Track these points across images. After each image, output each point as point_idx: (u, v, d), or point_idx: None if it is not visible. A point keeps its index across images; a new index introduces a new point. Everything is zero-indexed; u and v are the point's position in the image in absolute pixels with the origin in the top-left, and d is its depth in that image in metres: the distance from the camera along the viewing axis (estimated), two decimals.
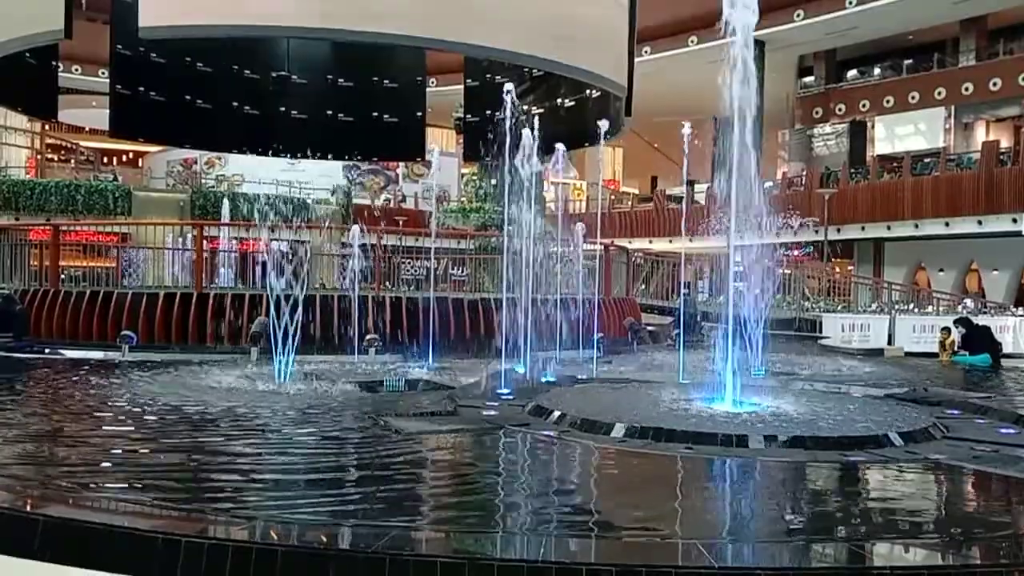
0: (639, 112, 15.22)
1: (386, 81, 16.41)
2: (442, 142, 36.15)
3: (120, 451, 5.24)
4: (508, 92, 9.43)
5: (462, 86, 17.36)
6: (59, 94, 14.71)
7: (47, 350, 11.75)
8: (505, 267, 10.42)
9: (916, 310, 21.41)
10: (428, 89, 17.76)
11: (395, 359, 11.18)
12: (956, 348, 13.77)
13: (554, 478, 4.85)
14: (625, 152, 47.31)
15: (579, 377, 9.59)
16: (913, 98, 32.35)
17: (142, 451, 5.26)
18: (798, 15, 30.55)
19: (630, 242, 28.22)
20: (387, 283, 15.14)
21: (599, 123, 12.53)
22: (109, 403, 7.07)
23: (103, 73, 24.89)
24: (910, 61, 33.43)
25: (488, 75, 16.36)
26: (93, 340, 12.23)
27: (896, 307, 21.46)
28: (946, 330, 14.26)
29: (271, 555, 3.15)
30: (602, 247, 15.60)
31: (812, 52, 34.87)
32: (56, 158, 33.31)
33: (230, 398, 7.33)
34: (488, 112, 16.41)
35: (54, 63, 13.77)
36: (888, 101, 33.15)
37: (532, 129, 9.82)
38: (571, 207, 40.04)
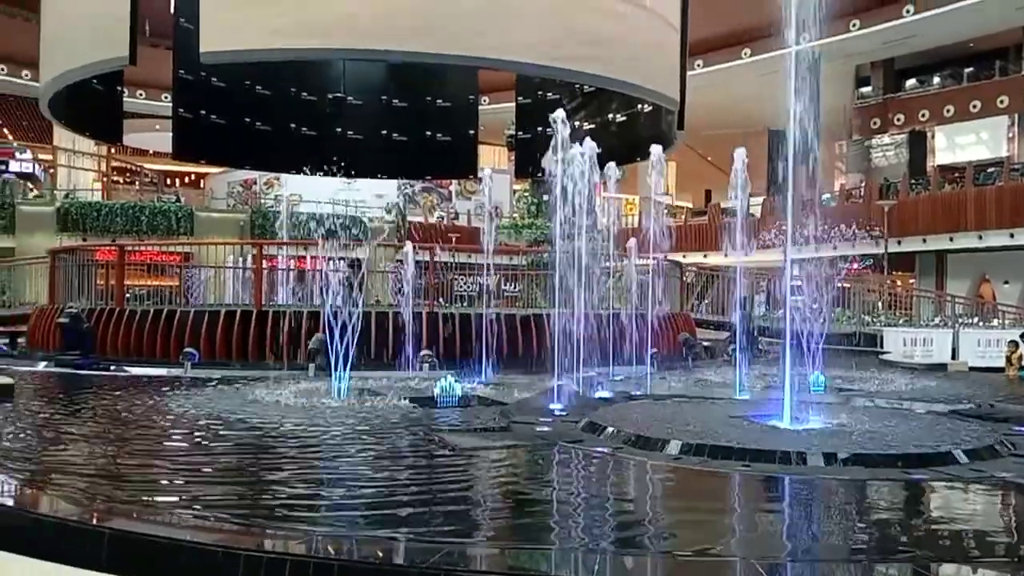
0: (692, 125, 15.16)
1: (439, 101, 16.64)
2: (494, 159, 36.42)
3: (181, 465, 5.34)
4: (555, 120, 9.40)
5: (514, 103, 17.49)
6: (124, 118, 15.22)
7: (112, 367, 12.02)
8: (557, 283, 10.40)
9: (980, 323, 20.80)
10: (480, 107, 17.93)
11: (449, 375, 11.23)
12: (1023, 363, 13.35)
13: (608, 495, 4.80)
14: (678, 166, 46.99)
15: (633, 393, 9.50)
16: (975, 107, 31.57)
17: (203, 466, 5.32)
18: (854, 24, 30.06)
19: (684, 256, 27.98)
20: (441, 299, 15.25)
21: (651, 142, 12.49)
22: (171, 419, 7.20)
23: (166, 97, 25.68)
24: (971, 69, 32.68)
25: (539, 92, 16.48)
26: (157, 357, 12.52)
27: (959, 320, 20.87)
28: (1013, 344, 13.83)
29: (328, 569, 3.19)
30: (655, 261, 15.48)
31: (869, 62, 34.28)
32: (121, 180, 34.40)
33: (287, 413, 7.43)
34: (539, 129, 16.57)
35: (119, 88, 14.27)
36: (948, 110, 32.40)
37: (582, 144, 9.81)
38: (624, 221, 39.94)
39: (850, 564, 3.49)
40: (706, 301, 21.13)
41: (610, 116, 15.54)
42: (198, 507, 4.12)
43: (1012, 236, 25.18)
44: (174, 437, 6.37)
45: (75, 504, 4.13)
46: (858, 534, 3.93)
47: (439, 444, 5.98)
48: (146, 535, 3.54)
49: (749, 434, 6.15)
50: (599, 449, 5.90)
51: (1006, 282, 28.49)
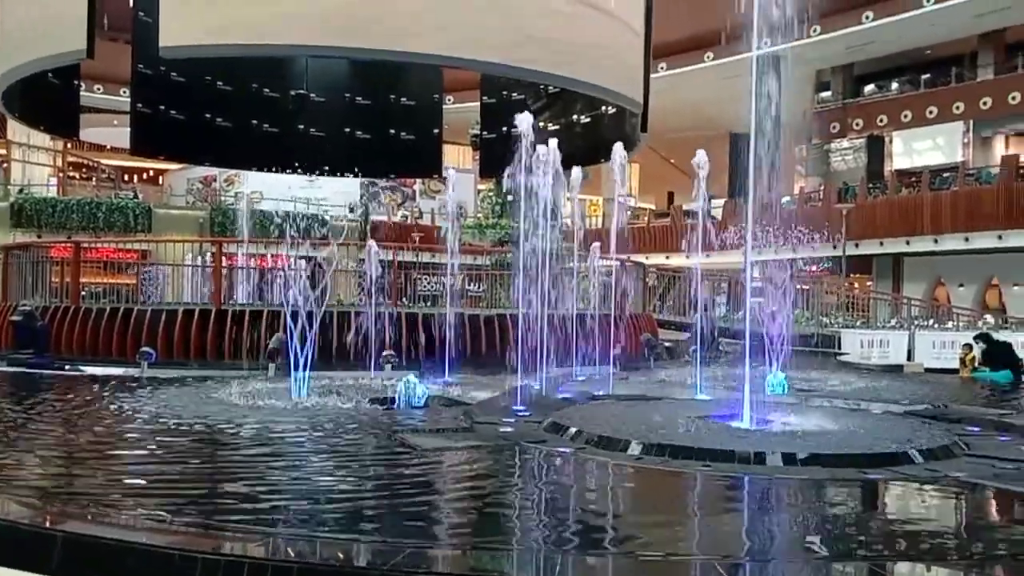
0: (655, 128, 15.26)
1: (403, 99, 16.58)
2: (459, 158, 36.36)
3: (137, 467, 5.26)
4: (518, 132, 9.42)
5: (478, 103, 17.49)
6: (81, 113, 14.94)
7: (67, 366, 11.83)
8: (520, 283, 10.44)
9: (936, 326, 21.26)
10: (445, 106, 17.91)
11: (411, 375, 11.20)
12: (976, 364, 13.64)
13: (570, 495, 4.83)
14: (641, 167, 47.37)
15: (596, 393, 9.52)
16: (931, 112, 32.23)
17: (159, 467, 5.26)
18: (815, 30, 30.54)
19: (647, 258, 28.20)
20: (404, 299, 15.20)
21: (615, 143, 12.56)
22: (126, 419, 7.08)
23: (124, 92, 25.14)
24: (928, 75, 33.37)
25: (504, 92, 16.49)
26: (113, 356, 12.34)
27: (915, 323, 21.31)
28: (967, 346, 14.15)
29: (287, 571, 3.17)
30: (618, 263, 15.59)
31: (829, 67, 34.88)
32: (78, 176, 33.75)
33: (246, 414, 7.33)
34: (504, 128, 16.58)
35: (76, 82, 14.01)
36: (906, 116, 33.06)
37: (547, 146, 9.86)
38: (587, 223, 40.16)
39: (808, 563, 3.51)
40: (668, 302, 21.32)
41: (575, 117, 15.63)
42: (152, 510, 4.05)
43: (967, 240, 25.78)
44: (127, 438, 6.25)
45: (26, 507, 4.06)
46: (815, 533, 3.99)
47: (401, 445, 5.93)
48: (100, 538, 3.48)
49: (710, 434, 6.21)
50: (562, 449, 5.92)
51: (961, 285, 29.16)
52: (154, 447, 5.88)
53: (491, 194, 20.31)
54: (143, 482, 4.83)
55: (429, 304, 15.95)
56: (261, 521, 3.90)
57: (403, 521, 3.99)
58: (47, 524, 3.72)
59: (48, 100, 13.57)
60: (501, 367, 11.27)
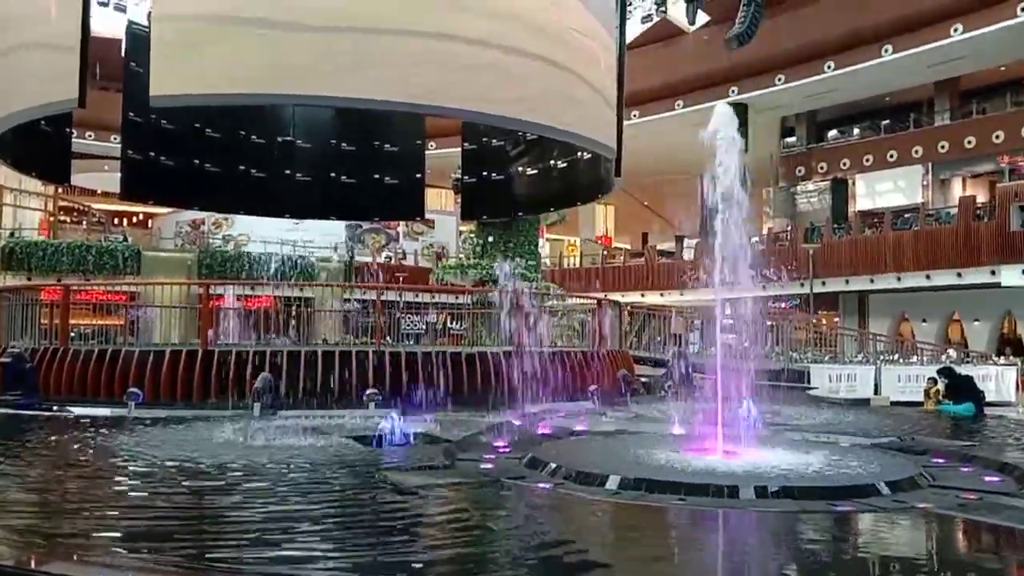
0: (629, 172, 15.80)
1: (387, 145, 16.95)
2: (441, 201, 36.91)
3: (123, 507, 5.23)
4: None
5: (460, 148, 17.94)
6: (72, 159, 15.11)
7: (55, 407, 11.84)
8: (502, 321, 10.68)
9: (901, 360, 21.80)
10: (427, 152, 18.30)
11: (394, 413, 11.37)
12: (941, 397, 13.95)
13: (549, 530, 4.85)
14: (616, 209, 48.24)
15: (574, 429, 9.57)
16: (891, 156, 33.26)
17: (143, 507, 5.19)
18: (779, 79, 31.62)
19: (623, 296, 28.70)
20: (388, 338, 15.42)
21: (591, 187, 13.01)
22: (112, 460, 7.02)
23: (115, 139, 25.47)
24: (887, 121, 34.47)
25: (485, 138, 16.96)
26: (101, 397, 12.37)
27: (881, 357, 21.85)
28: (932, 380, 14.34)
29: None
30: (595, 302, 16.02)
31: (794, 114, 35.92)
32: (68, 220, 33.73)
33: (231, 453, 7.23)
34: (484, 173, 17.09)
35: (68, 130, 14.21)
36: (868, 159, 34.06)
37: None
38: (565, 262, 40.66)
39: None
40: (644, 339, 21.72)
41: (551, 162, 16.10)
42: (136, 549, 4.06)
43: (928, 277, 26.54)
44: (111, 477, 6.20)
45: (11, 547, 4.00)
46: (789, 565, 4.10)
47: (383, 482, 5.87)
48: None
49: (684, 468, 6.35)
50: (541, 485, 5.99)
51: (924, 320, 29.92)
52: (136, 485, 5.86)
53: (472, 235, 20.72)
54: (125, 521, 4.83)
55: (412, 343, 16.19)
56: (244, 560, 3.89)
57: (384, 556, 3.98)
58: (32, 565, 3.71)
59: (40, 147, 13.74)
60: (483, 404, 11.50)
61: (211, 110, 14.11)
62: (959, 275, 25.57)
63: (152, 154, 15.09)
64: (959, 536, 5.00)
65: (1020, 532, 4.75)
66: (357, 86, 11.81)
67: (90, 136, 31.79)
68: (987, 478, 6.63)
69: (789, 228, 32.55)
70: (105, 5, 26.07)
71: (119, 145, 15.85)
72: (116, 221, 35.89)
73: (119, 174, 15.00)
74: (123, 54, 14.76)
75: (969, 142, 31.01)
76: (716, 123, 7.86)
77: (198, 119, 15.40)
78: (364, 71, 11.86)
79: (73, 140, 14.79)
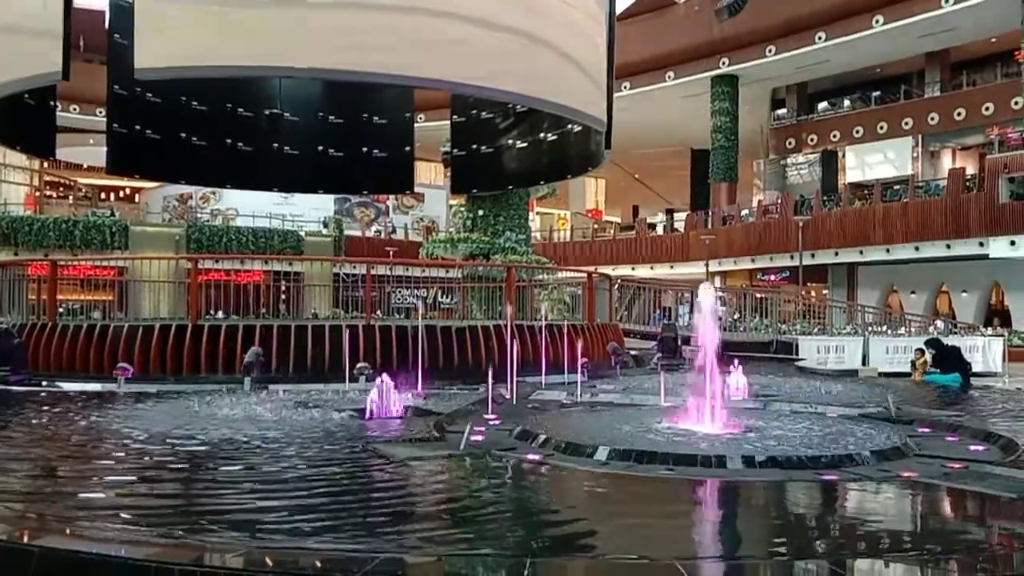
0: (620, 144, 15.75)
1: (375, 117, 16.80)
2: (431, 175, 36.78)
3: (114, 480, 5.20)
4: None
5: (449, 121, 17.83)
6: (57, 133, 14.91)
7: (44, 383, 11.84)
8: (492, 295, 10.70)
9: (889, 332, 21.99)
10: (416, 124, 18.16)
11: (384, 386, 11.39)
12: (928, 368, 14.12)
13: (539, 501, 4.91)
14: (607, 182, 48.17)
15: (564, 401, 9.68)
16: (881, 128, 33.31)
17: (135, 480, 5.17)
18: (769, 51, 31.51)
19: (613, 269, 28.74)
20: (378, 312, 15.42)
21: (581, 160, 12.92)
22: (104, 434, 6.94)
23: (100, 112, 25.30)
24: (878, 93, 34.49)
25: (474, 111, 16.84)
26: (90, 372, 12.35)
27: (869, 329, 22.01)
28: (919, 351, 14.51)
29: None
30: (585, 275, 16.04)
31: (784, 85, 35.87)
32: (55, 194, 33.58)
33: (222, 426, 7.20)
34: (474, 146, 16.99)
35: (52, 103, 14.00)
36: (858, 131, 34.11)
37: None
38: (555, 236, 40.67)
39: (770, 562, 3.64)
40: (634, 312, 21.81)
41: (541, 135, 16.00)
42: (129, 523, 4.04)
43: (917, 249, 26.73)
44: (103, 451, 6.19)
45: (2, 522, 3.99)
46: (776, 533, 4.15)
47: (374, 454, 5.88)
48: (76, 552, 3.44)
49: (672, 439, 6.41)
50: (531, 456, 6.05)
51: (912, 292, 30.15)
52: (127, 459, 5.83)
53: (462, 209, 20.67)
54: (117, 494, 4.80)
55: (403, 317, 16.20)
56: (237, 531, 3.88)
57: (376, 529, 3.97)
58: (24, 539, 3.68)
59: (24, 120, 13.57)
60: (474, 377, 11.55)
61: (197, 83, 13.93)
62: (948, 247, 25.76)
63: (138, 127, 14.92)
64: (943, 504, 5.06)
65: (1004, 500, 4.80)
66: (345, 59, 11.67)
67: (75, 109, 31.57)
68: (972, 447, 6.70)
69: (779, 200, 32.65)
70: None
71: (104, 118, 15.64)
72: (103, 195, 35.76)
73: (105, 148, 14.82)
74: (107, 26, 14.52)
75: (959, 114, 31.06)
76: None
77: (184, 92, 15.22)
78: (351, 44, 11.72)
79: (58, 113, 14.55)
